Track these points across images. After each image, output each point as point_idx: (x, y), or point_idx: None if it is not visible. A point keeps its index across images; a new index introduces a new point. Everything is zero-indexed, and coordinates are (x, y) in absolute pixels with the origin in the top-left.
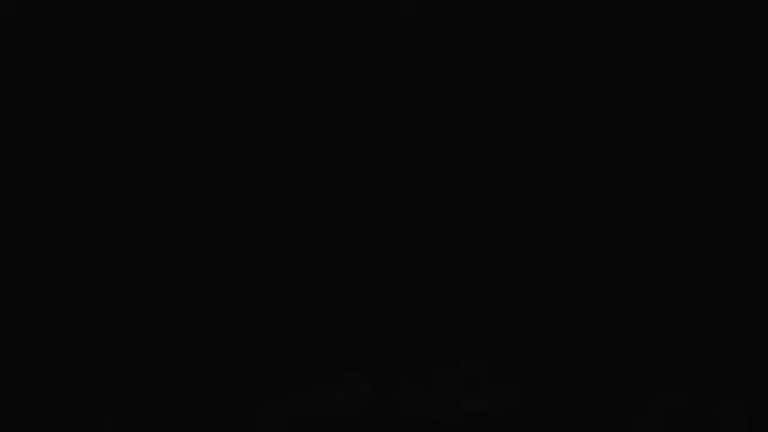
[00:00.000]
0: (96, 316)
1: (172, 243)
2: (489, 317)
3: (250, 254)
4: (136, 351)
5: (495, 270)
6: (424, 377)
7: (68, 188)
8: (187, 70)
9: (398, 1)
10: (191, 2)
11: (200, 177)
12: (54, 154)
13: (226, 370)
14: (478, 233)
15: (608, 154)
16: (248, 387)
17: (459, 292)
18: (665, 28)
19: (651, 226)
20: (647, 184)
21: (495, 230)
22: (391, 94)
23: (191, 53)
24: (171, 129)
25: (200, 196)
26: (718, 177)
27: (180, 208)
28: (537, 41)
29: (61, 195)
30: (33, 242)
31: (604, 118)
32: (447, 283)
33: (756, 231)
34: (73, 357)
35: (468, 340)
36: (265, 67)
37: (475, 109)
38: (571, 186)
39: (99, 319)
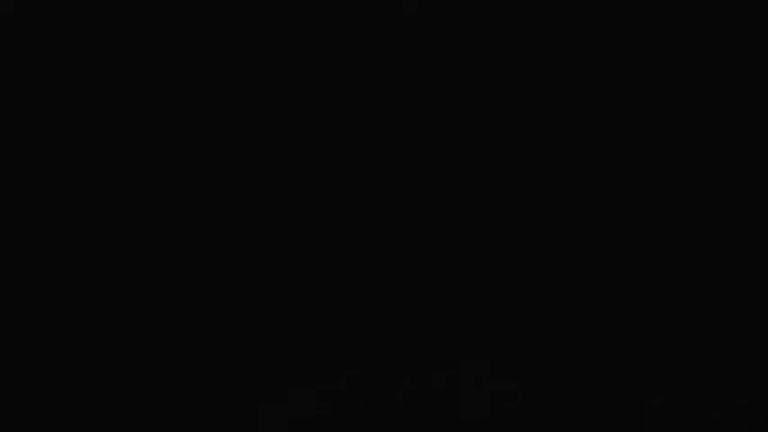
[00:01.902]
0: (96, 316)
1: (171, 243)
2: (489, 317)
3: (250, 253)
4: (135, 351)
5: (494, 270)
6: (423, 377)
7: (68, 188)
8: (187, 70)
9: (398, 1)
10: (191, 2)
11: (200, 177)
12: (54, 154)
13: (226, 370)
14: (478, 233)
15: (608, 154)
16: (248, 387)
17: (458, 291)
18: (665, 28)
19: (651, 226)
20: (647, 184)
21: (495, 230)
22: (391, 93)
23: (191, 53)
24: (171, 129)
25: (199, 196)
26: (718, 177)
27: (179, 208)
28: (538, 41)
29: (61, 195)
30: (33, 242)
31: (604, 118)
32: (446, 283)
33: (756, 231)
34: (71, 357)
35: (468, 340)
36: (264, 67)
37: (475, 109)
38: (571, 186)
39: (98, 319)
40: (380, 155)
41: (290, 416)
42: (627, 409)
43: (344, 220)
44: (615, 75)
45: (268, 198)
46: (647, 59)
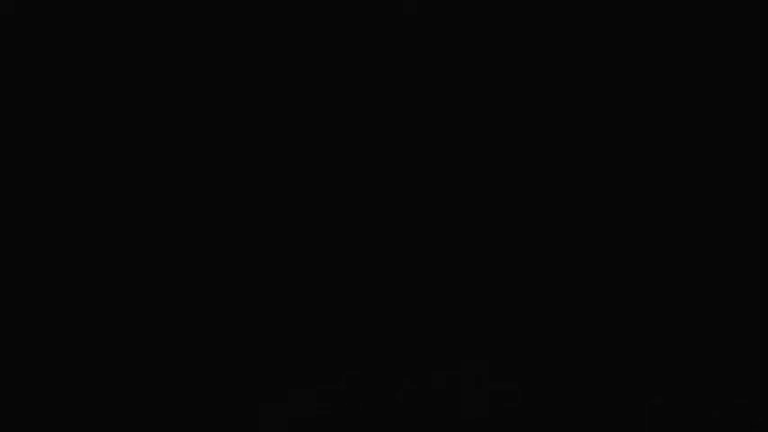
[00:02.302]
0: (96, 316)
1: (171, 243)
2: (489, 317)
3: (250, 254)
4: (135, 351)
5: (493, 270)
6: (423, 377)
7: (68, 188)
8: (187, 70)
9: (398, 1)
10: (191, 2)
11: (200, 177)
12: (54, 154)
13: (226, 370)
14: (478, 232)
15: (608, 154)
16: (248, 387)
17: (458, 291)
18: (665, 28)
19: (651, 226)
20: (647, 184)
21: (495, 230)
22: (391, 94)
23: (191, 53)
24: (171, 129)
25: (199, 196)
26: (718, 177)
27: (179, 208)
28: (538, 41)
29: (61, 195)
30: (33, 242)
31: (604, 118)
32: (446, 283)
33: (756, 231)
34: (72, 357)
35: (468, 340)
36: (264, 67)
37: (475, 109)
38: (571, 186)
39: (98, 319)
40: (380, 155)
41: (290, 416)
42: (627, 409)
43: (344, 220)
44: (615, 75)
45: (268, 198)
46: (647, 59)
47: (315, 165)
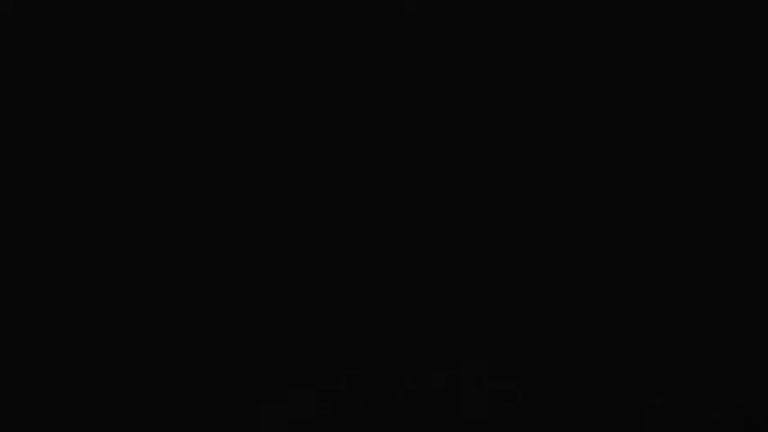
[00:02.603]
0: (96, 316)
1: (172, 243)
2: (489, 317)
3: (250, 254)
4: (136, 351)
5: (493, 270)
6: (423, 377)
7: (68, 188)
8: (187, 70)
9: (398, 1)
10: (191, 2)
11: (200, 177)
12: (54, 154)
13: (226, 370)
14: (477, 233)
15: (608, 154)
16: (248, 387)
17: (458, 291)
18: (666, 28)
19: (650, 226)
20: (647, 183)
21: (495, 230)
22: (391, 94)
23: (191, 53)
24: (171, 129)
25: (199, 196)
26: (718, 177)
27: (179, 208)
28: (538, 41)
29: (61, 195)
30: (33, 242)
31: (604, 118)
32: (446, 283)
33: (756, 231)
34: (72, 357)
35: (468, 340)
36: (265, 67)
37: (475, 109)
38: (571, 186)
39: (98, 319)
40: (380, 155)
41: (290, 416)
42: (627, 409)
43: (344, 220)
44: (615, 75)
45: (268, 198)
46: (647, 59)
47: (314, 165)
